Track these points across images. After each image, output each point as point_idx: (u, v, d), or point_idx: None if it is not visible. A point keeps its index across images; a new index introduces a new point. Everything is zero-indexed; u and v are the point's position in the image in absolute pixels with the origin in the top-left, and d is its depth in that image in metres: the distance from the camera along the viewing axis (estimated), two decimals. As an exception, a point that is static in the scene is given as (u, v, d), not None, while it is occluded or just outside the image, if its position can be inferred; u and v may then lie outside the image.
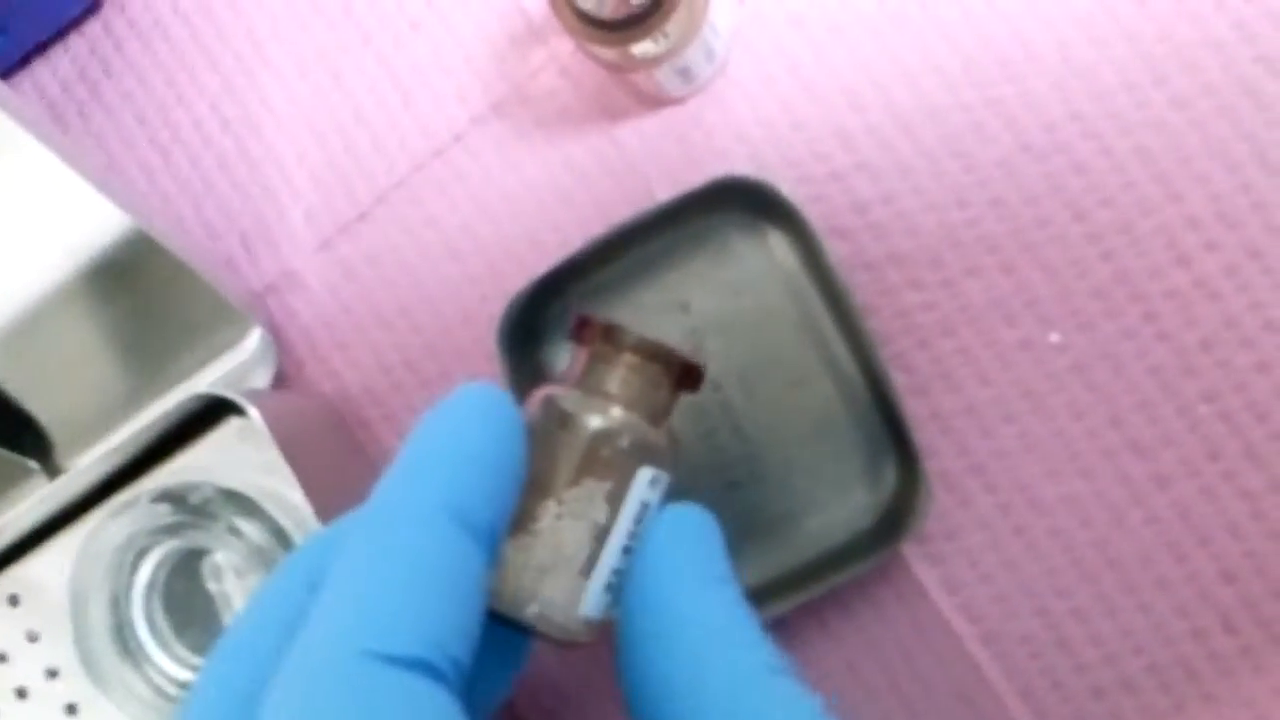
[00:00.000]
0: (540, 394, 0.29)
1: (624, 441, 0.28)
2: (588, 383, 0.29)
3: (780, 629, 0.41)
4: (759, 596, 0.39)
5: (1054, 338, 0.40)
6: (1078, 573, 0.39)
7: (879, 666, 0.41)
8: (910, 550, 0.40)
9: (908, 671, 0.40)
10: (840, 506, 0.40)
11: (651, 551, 0.27)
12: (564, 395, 0.29)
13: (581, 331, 0.30)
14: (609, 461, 0.27)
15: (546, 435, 0.28)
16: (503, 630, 0.28)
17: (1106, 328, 0.39)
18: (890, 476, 0.40)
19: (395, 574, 0.23)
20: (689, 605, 0.26)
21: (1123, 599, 0.39)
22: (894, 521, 0.39)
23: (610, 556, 0.27)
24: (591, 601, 0.27)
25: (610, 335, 0.30)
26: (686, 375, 0.31)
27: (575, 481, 0.27)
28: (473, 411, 0.26)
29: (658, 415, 0.29)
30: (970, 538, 0.40)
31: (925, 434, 0.40)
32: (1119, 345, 0.39)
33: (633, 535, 0.28)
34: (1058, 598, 0.40)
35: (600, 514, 0.27)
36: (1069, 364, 0.40)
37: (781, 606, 0.38)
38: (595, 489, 0.27)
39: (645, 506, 0.28)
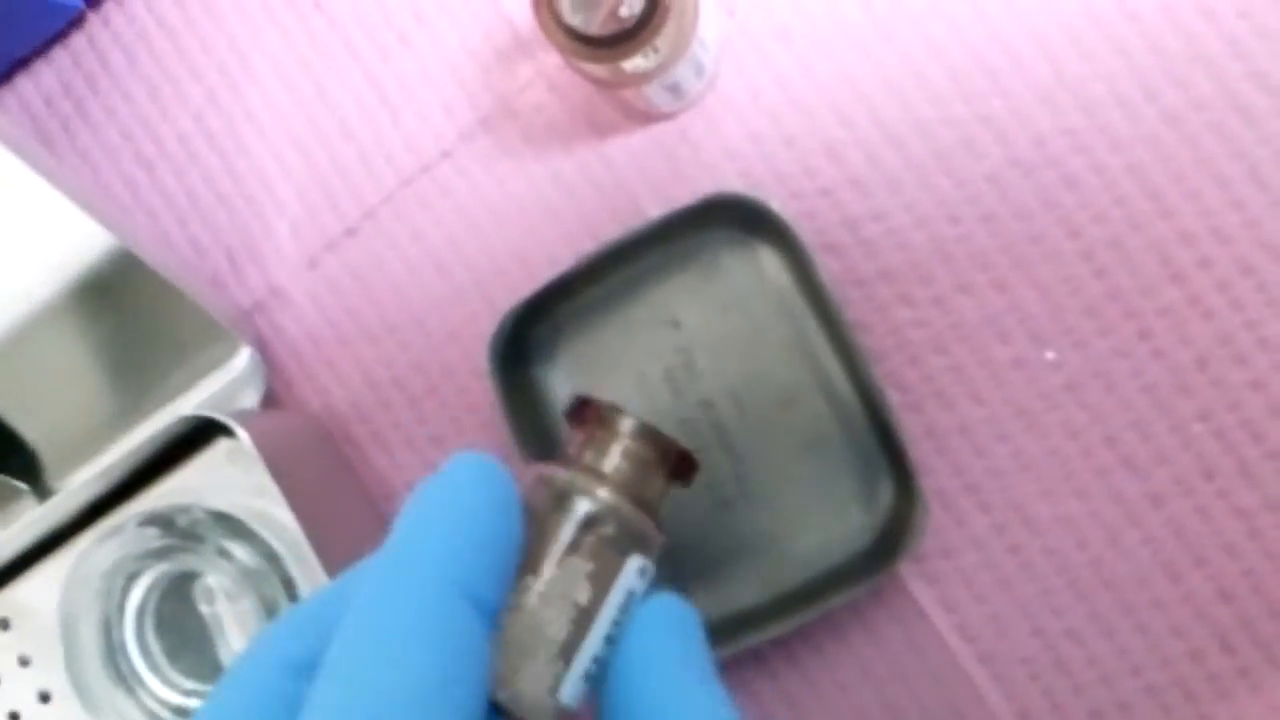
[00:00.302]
0: (535, 471, 0.29)
1: (611, 528, 0.27)
2: (583, 463, 0.29)
3: (774, 649, 0.41)
4: (753, 619, 0.39)
5: (1048, 355, 0.39)
6: (1074, 592, 0.39)
7: (874, 687, 0.41)
8: (906, 569, 0.40)
9: (904, 692, 0.40)
10: (835, 526, 0.40)
11: (635, 644, 0.26)
12: (558, 474, 0.28)
13: (581, 412, 0.30)
14: (596, 545, 0.27)
15: (538, 513, 0.27)
16: None
17: (1100, 345, 0.39)
18: (885, 495, 0.40)
19: (414, 655, 0.22)
20: (673, 706, 0.25)
21: (1119, 619, 0.39)
22: (890, 541, 0.39)
23: (592, 644, 0.26)
24: (569, 690, 0.26)
25: (608, 417, 0.29)
26: (682, 464, 0.30)
27: (561, 562, 0.27)
28: (473, 484, 0.25)
29: (650, 504, 0.29)
30: (966, 557, 0.40)
31: (919, 452, 0.40)
32: (1113, 363, 0.39)
33: (616, 624, 0.27)
34: (1054, 617, 0.39)
35: (583, 596, 0.26)
36: (1063, 382, 0.39)
37: (777, 630, 0.38)
38: (579, 569, 0.27)
39: (631, 595, 0.27)
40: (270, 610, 0.37)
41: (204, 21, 0.46)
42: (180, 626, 0.40)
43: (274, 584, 0.38)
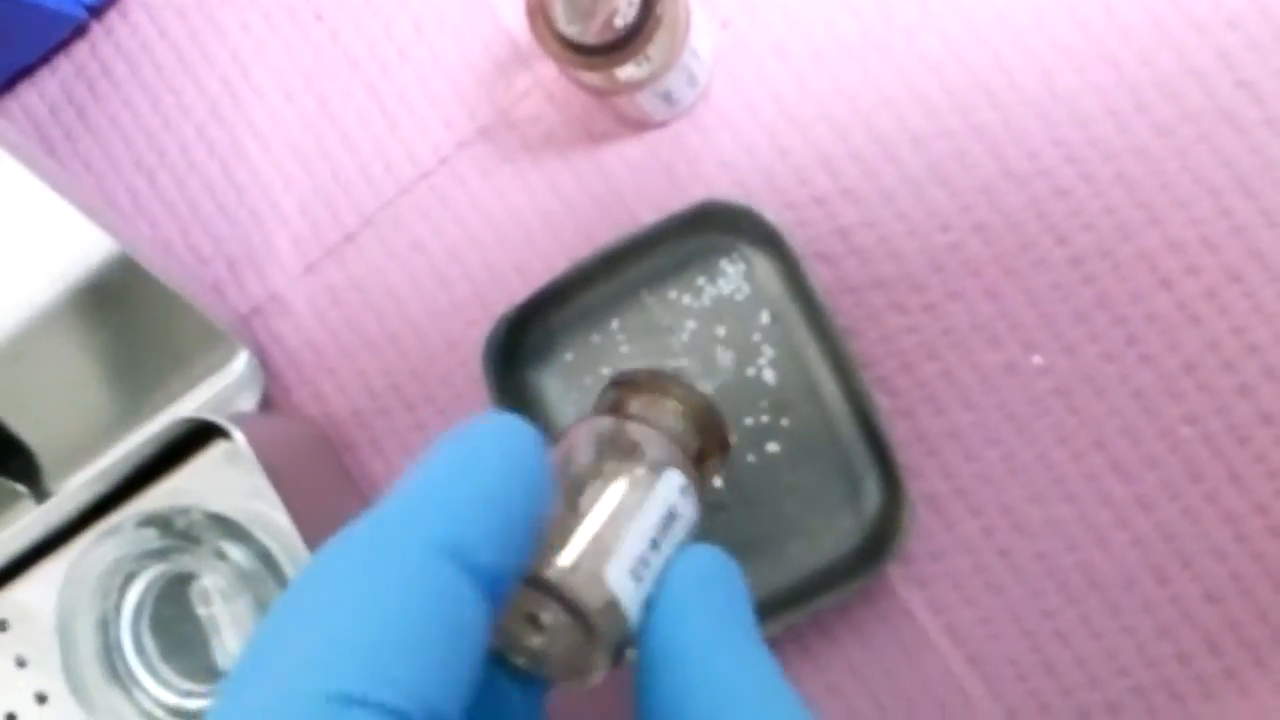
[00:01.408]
0: (579, 427, 0.29)
1: (656, 452, 0.27)
2: (630, 412, 0.30)
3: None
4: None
5: (1037, 361, 0.40)
6: (1062, 595, 0.40)
7: (864, 688, 0.41)
8: (895, 572, 0.41)
9: (893, 692, 0.41)
10: (824, 528, 0.40)
11: (676, 590, 0.26)
12: (604, 421, 0.29)
13: (632, 378, 0.31)
14: (639, 460, 0.27)
15: (578, 462, 0.27)
16: (511, 699, 0.26)
17: (1089, 351, 0.40)
18: (874, 498, 0.40)
19: (377, 610, 0.20)
20: (715, 653, 0.25)
21: (1108, 621, 0.39)
22: (878, 542, 0.39)
23: (636, 541, 0.26)
24: (615, 576, 0.25)
25: (661, 381, 0.30)
26: (720, 445, 0.31)
27: (605, 471, 0.27)
28: (490, 443, 0.23)
29: (692, 460, 0.29)
30: (955, 560, 0.40)
31: (909, 456, 0.40)
32: (1102, 368, 0.40)
33: (657, 545, 0.26)
34: (1043, 619, 0.40)
35: (626, 495, 0.26)
36: (1052, 387, 0.40)
37: (768, 631, 0.38)
38: (622, 471, 0.27)
39: (673, 513, 0.27)
40: (265, 610, 0.38)
41: (206, 32, 0.47)
42: (176, 627, 0.40)
43: (269, 585, 0.38)
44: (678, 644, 0.25)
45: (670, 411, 0.30)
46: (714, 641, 0.25)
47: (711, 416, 0.30)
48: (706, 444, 0.30)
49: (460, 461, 0.23)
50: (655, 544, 0.26)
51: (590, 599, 0.25)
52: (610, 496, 0.26)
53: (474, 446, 0.23)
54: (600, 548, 0.25)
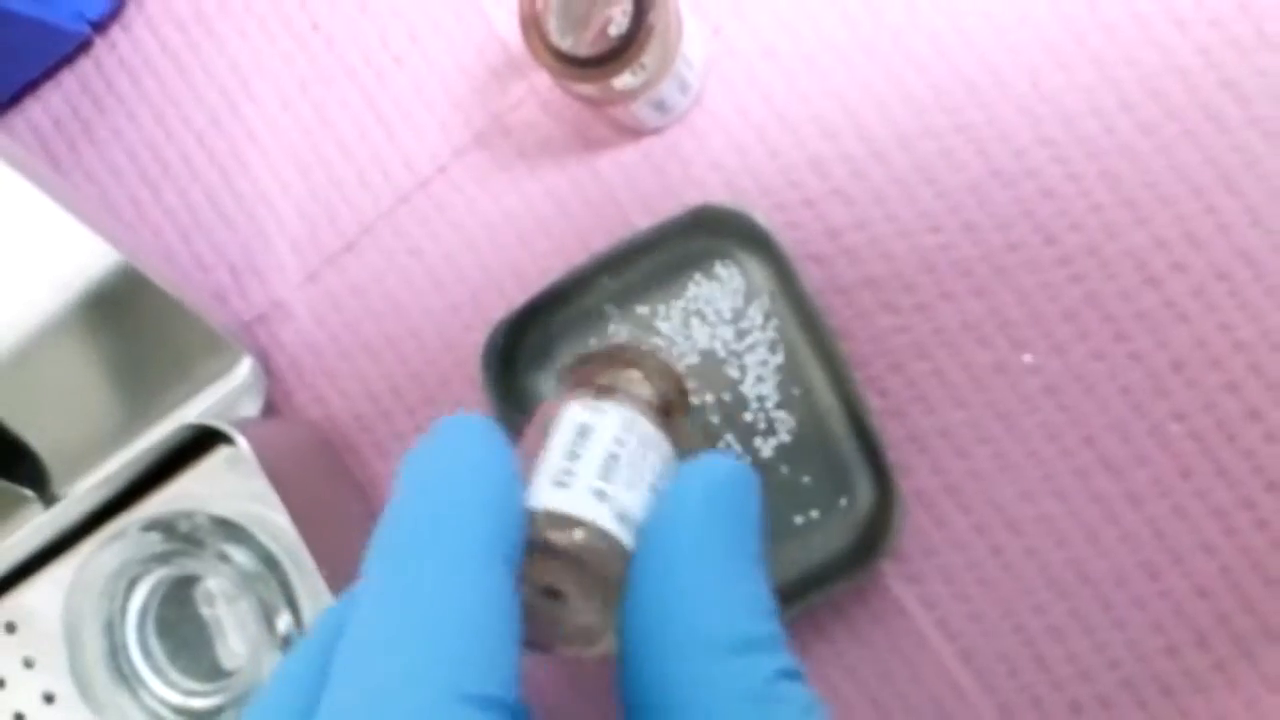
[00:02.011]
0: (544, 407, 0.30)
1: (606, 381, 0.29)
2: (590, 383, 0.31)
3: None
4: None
5: (1027, 359, 0.40)
6: (1053, 591, 0.40)
7: (858, 684, 0.41)
8: (888, 569, 0.41)
9: (886, 689, 0.41)
10: (818, 527, 0.41)
11: (668, 503, 0.26)
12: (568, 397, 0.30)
13: (587, 359, 0.32)
14: (594, 393, 0.29)
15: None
16: None
17: (1078, 349, 0.40)
18: (866, 496, 0.40)
19: (467, 616, 0.22)
20: (700, 565, 0.25)
21: (1098, 616, 0.40)
22: (871, 540, 0.40)
23: (593, 461, 0.27)
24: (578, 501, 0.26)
25: (615, 352, 0.32)
26: (676, 382, 0.32)
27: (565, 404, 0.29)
28: (475, 448, 0.25)
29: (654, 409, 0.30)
30: (947, 556, 0.41)
31: (901, 455, 0.41)
32: (1090, 366, 0.40)
33: (629, 464, 0.27)
34: (1034, 615, 0.40)
35: (583, 418, 0.28)
36: (1042, 385, 0.40)
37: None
38: (578, 403, 0.28)
39: (629, 431, 0.28)
40: (268, 612, 0.38)
41: (206, 45, 0.47)
42: (181, 629, 0.41)
43: (272, 587, 0.39)
44: (664, 551, 0.25)
45: (621, 371, 0.31)
46: (701, 552, 0.25)
47: (660, 365, 0.31)
48: (666, 393, 0.31)
49: (464, 470, 0.24)
50: (573, 454, 0.27)
51: (590, 543, 0.26)
52: (564, 424, 0.28)
53: (460, 455, 0.25)
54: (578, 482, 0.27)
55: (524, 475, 0.27)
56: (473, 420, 0.25)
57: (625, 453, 0.28)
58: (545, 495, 0.26)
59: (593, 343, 0.43)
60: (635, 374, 0.32)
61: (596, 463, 0.27)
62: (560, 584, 0.26)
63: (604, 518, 0.26)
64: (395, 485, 0.25)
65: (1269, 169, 0.39)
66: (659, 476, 0.28)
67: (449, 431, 0.25)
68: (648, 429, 0.29)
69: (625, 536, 0.26)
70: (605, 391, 0.30)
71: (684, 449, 0.30)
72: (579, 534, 0.26)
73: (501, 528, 0.24)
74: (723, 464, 0.27)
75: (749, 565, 0.26)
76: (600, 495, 0.26)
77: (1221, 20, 0.39)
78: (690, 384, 0.39)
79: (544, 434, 0.28)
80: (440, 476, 0.24)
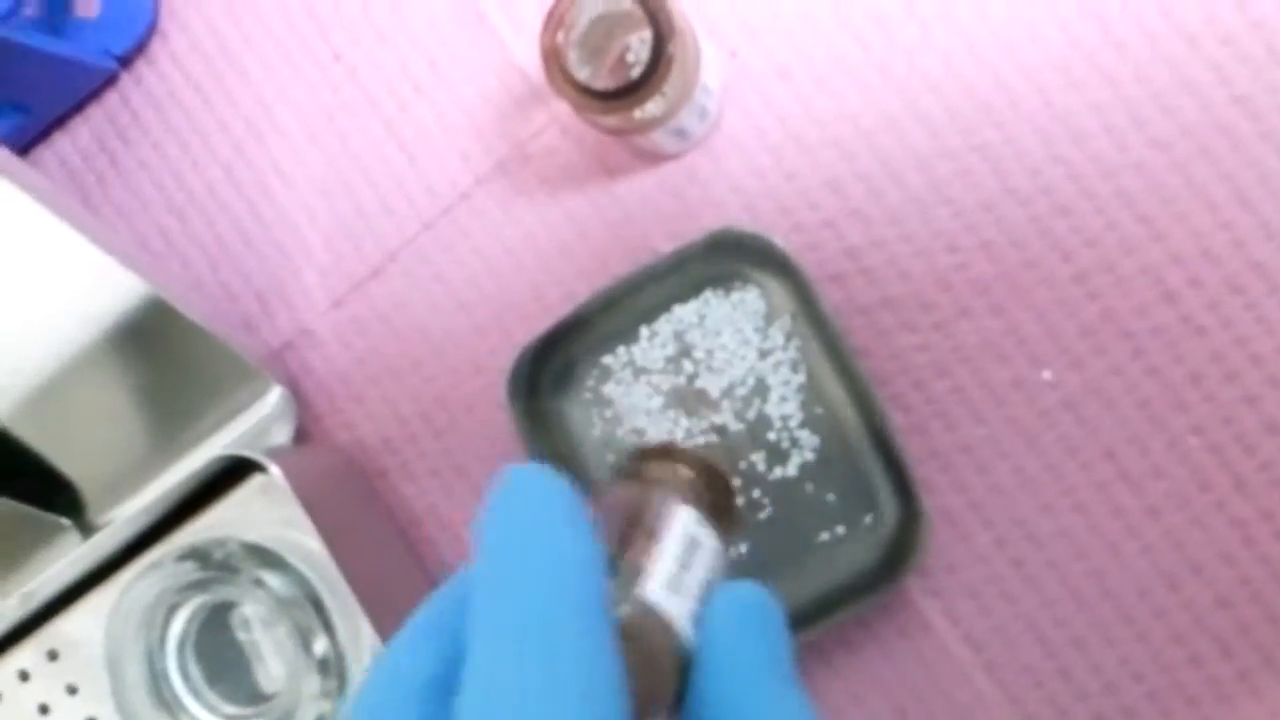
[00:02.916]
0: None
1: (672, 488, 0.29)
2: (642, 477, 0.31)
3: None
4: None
5: (1045, 375, 0.41)
6: (1075, 603, 0.41)
7: (884, 696, 0.42)
8: (913, 584, 0.42)
9: (912, 701, 0.42)
10: (844, 544, 0.41)
11: (716, 626, 0.26)
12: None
13: (643, 455, 0.32)
14: (656, 491, 0.29)
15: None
16: None
17: (1096, 365, 0.41)
18: (891, 513, 0.41)
19: (593, 689, 0.22)
20: (749, 695, 0.25)
21: (1120, 628, 0.40)
22: (897, 557, 0.40)
23: (662, 570, 0.27)
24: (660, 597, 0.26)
25: (671, 449, 0.31)
26: (725, 486, 0.31)
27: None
28: (552, 495, 0.25)
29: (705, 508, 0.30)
30: (970, 571, 0.41)
31: (923, 471, 0.41)
32: (1108, 381, 0.41)
33: (686, 555, 0.28)
34: (1057, 627, 0.41)
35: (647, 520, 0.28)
36: (1060, 401, 0.41)
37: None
38: (639, 498, 0.28)
39: (694, 542, 0.28)
40: (304, 636, 0.39)
41: (230, 77, 0.48)
42: (219, 654, 0.41)
43: (307, 611, 0.40)
44: (716, 684, 0.26)
45: (675, 468, 0.31)
46: (748, 683, 0.26)
47: (714, 469, 0.31)
48: (716, 497, 0.31)
49: (553, 521, 0.24)
50: (684, 564, 0.28)
51: (658, 636, 0.26)
52: (678, 531, 0.28)
53: (547, 503, 0.25)
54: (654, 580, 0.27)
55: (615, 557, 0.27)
56: (549, 478, 0.25)
57: (714, 578, 0.28)
58: (659, 595, 0.27)
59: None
60: (719, 485, 0.31)
61: (699, 580, 0.27)
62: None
63: (688, 628, 0.27)
64: (482, 543, 0.25)
65: (1282, 185, 0.39)
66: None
67: (529, 489, 0.25)
68: (717, 545, 0.29)
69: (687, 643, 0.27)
70: (710, 508, 0.29)
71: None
72: (671, 638, 0.26)
73: (599, 599, 0.24)
74: (754, 591, 0.28)
75: (791, 683, 0.26)
76: (693, 615, 0.27)
77: (1232, 37, 0.40)
78: (716, 417, 0.39)
79: (642, 525, 0.28)
80: (538, 544, 0.24)
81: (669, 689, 0.26)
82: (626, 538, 0.28)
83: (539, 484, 0.25)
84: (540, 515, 0.24)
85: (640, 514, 0.29)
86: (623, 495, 0.30)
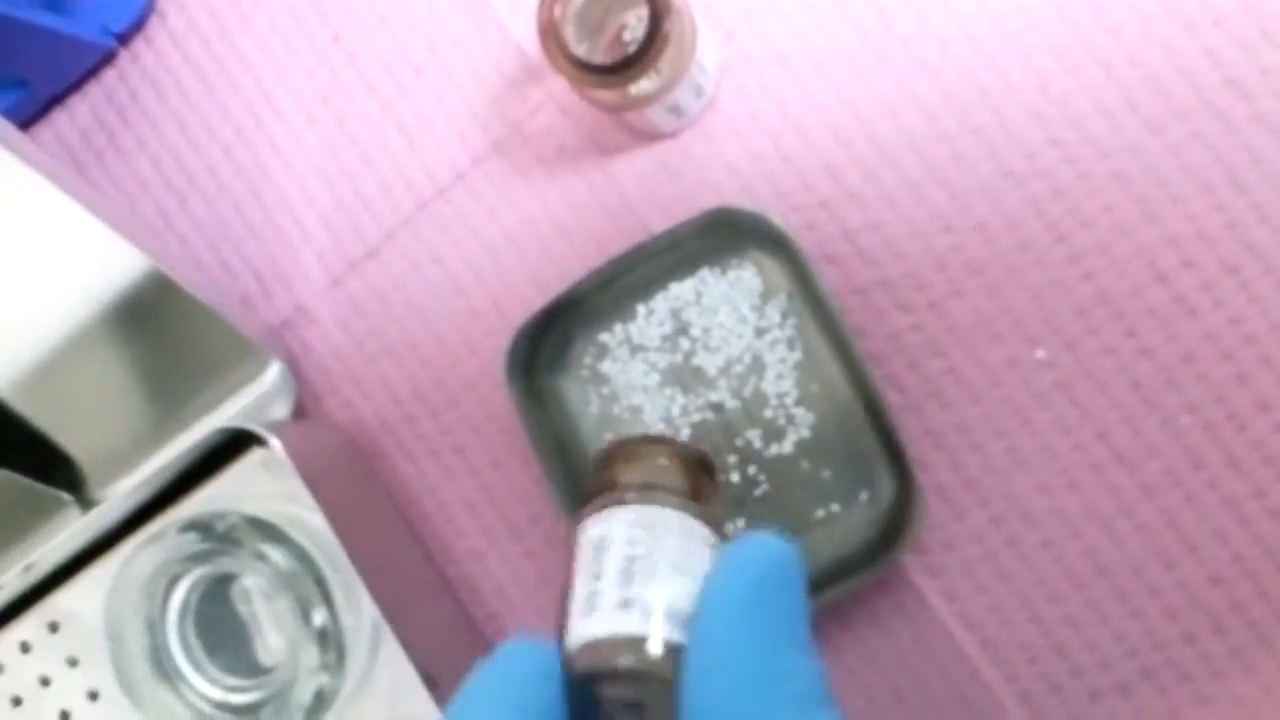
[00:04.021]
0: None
1: (630, 494, 0.29)
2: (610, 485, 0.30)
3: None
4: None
5: (1039, 355, 0.41)
6: (1070, 581, 0.41)
7: (881, 674, 0.42)
8: (909, 562, 0.42)
9: (908, 678, 0.42)
10: (840, 521, 0.42)
11: (710, 589, 0.25)
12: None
13: (607, 454, 0.31)
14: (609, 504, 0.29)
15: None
16: None
17: (1090, 345, 0.41)
18: (886, 491, 0.41)
19: None
20: (746, 659, 0.24)
21: (1115, 605, 0.41)
22: (892, 534, 0.41)
23: (610, 577, 0.27)
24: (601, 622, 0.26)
25: (626, 448, 0.31)
26: (702, 470, 0.31)
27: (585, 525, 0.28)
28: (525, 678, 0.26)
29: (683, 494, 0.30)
30: (966, 549, 0.42)
31: (919, 450, 0.42)
32: (1102, 361, 0.41)
33: (646, 559, 0.27)
34: (1052, 605, 0.41)
35: (595, 536, 0.28)
36: (1054, 381, 0.41)
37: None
38: (590, 526, 0.28)
39: (662, 531, 0.28)
40: (304, 609, 0.39)
41: (229, 58, 0.48)
42: (220, 626, 0.41)
43: (308, 584, 0.40)
44: (712, 645, 0.25)
45: (640, 464, 0.30)
46: (749, 644, 0.24)
47: (686, 451, 0.31)
48: (696, 478, 0.30)
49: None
50: (621, 573, 0.27)
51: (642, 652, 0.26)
52: (582, 546, 0.28)
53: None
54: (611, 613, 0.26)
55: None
56: (515, 657, 0.26)
57: (643, 550, 0.27)
58: (578, 628, 0.27)
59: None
60: (661, 462, 0.30)
61: (615, 572, 0.27)
62: (631, 699, 0.26)
63: (633, 624, 0.26)
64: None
65: (1275, 165, 0.40)
66: (696, 560, 0.27)
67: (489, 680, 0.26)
68: (669, 516, 0.28)
69: (667, 632, 0.26)
70: (613, 496, 0.29)
71: (721, 527, 0.30)
72: (615, 654, 0.26)
73: None
74: (762, 544, 0.26)
75: (799, 654, 0.25)
76: (626, 604, 0.26)
77: (1226, 20, 0.40)
78: (712, 396, 0.39)
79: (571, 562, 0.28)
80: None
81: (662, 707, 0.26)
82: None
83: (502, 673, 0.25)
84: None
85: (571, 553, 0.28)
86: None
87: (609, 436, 0.44)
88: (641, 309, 0.43)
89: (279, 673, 0.40)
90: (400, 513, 0.46)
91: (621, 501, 0.29)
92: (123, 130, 0.50)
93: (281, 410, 0.45)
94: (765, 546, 0.26)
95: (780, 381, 0.42)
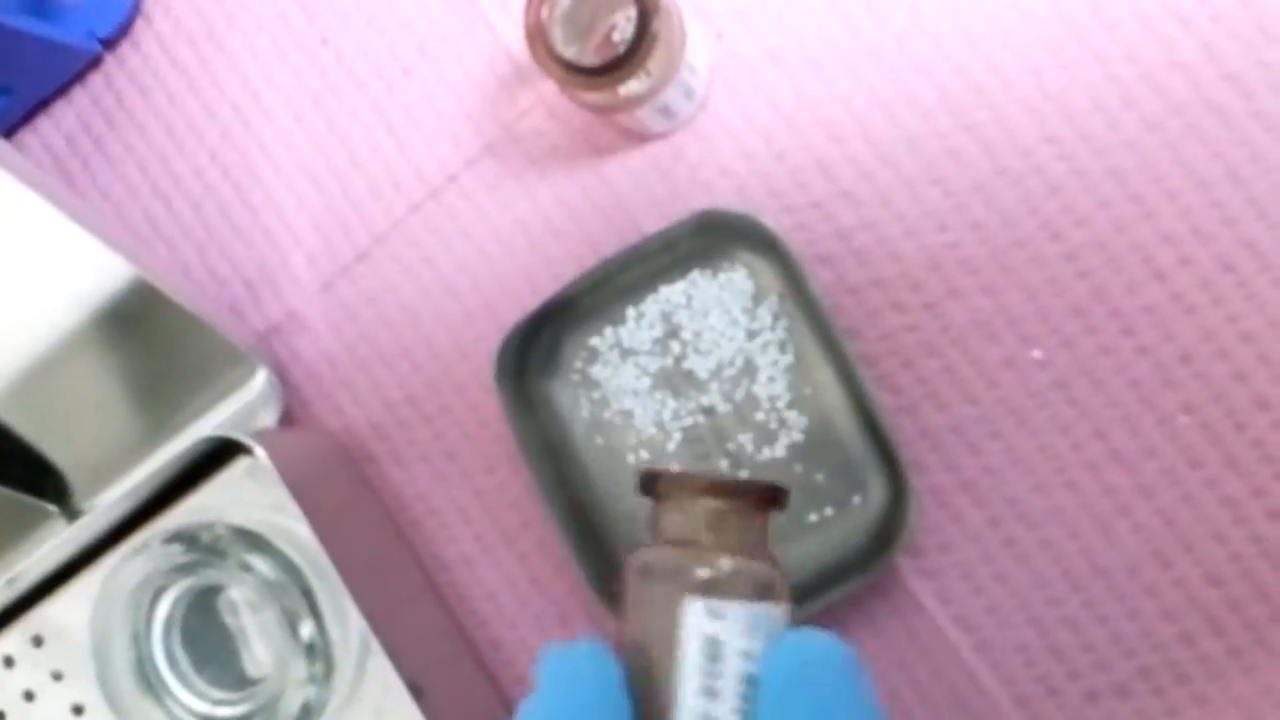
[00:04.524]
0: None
1: (665, 570, 0.28)
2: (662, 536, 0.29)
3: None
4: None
5: (1036, 354, 0.41)
6: (1067, 582, 0.40)
7: (877, 678, 0.42)
8: (905, 564, 0.42)
9: (905, 682, 0.42)
10: (835, 524, 0.41)
11: (766, 696, 0.26)
12: (652, 554, 0.28)
13: (651, 486, 0.30)
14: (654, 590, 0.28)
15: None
16: None
17: (1086, 343, 0.40)
18: (881, 494, 0.41)
19: None
20: None
21: (1112, 606, 0.40)
22: (887, 537, 0.40)
23: (688, 694, 0.26)
24: None
25: (682, 483, 0.29)
26: (769, 500, 0.30)
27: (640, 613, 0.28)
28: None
29: (751, 548, 0.29)
30: (962, 551, 0.41)
31: (914, 451, 0.41)
32: (1099, 360, 0.40)
33: (710, 676, 0.26)
34: (1049, 606, 0.41)
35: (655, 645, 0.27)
36: (1051, 380, 0.41)
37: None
38: (646, 617, 0.27)
39: (715, 638, 0.27)
40: (291, 620, 0.39)
41: (217, 60, 0.48)
42: (206, 638, 0.41)
43: (294, 595, 0.39)
44: None
45: (743, 533, 0.29)
46: None
47: (741, 490, 0.29)
48: (747, 517, 0.29)
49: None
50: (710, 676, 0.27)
51: None
52: (688, 641, 0.27)
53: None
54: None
55: (636, 675, 0.27)
56: (584, 666, 0.26)
57: (756, 667, 0.26)
58: None
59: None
60: (758, 528, 0.29)
61: (733, 696, 0.26)
62: None
63: None
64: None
65: (1273, 162, 0.39)
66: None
67: (564, 685, 0.26)
68: (775, 616, 0.27)
69: None
70: (723, 582, 0.28)
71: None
72: None
73: None
74: (803, 658, 0.27)
75: None
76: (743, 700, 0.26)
77: (1223, 15, 0.40)
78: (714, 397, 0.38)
79: (661, 635, 0.27)
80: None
81: None
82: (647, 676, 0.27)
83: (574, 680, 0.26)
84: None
85: (648, 643, 0.27)
86: (631, 623, 0.28)
87: (599, 440, 0.43)
88: (632, 312, 0.43)
89: (266, 685, 0.40)
90: (390, 519, 0.46)
91: (736, 594, 0.27)
92: (109, 136, 0.49)
93: (269, 418, 0.44)
94: (795, 645, 0.27)
95: (772, 384, 0.42)
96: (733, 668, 0.27)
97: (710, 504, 0.28)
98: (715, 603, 0.27)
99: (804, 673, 0.26)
